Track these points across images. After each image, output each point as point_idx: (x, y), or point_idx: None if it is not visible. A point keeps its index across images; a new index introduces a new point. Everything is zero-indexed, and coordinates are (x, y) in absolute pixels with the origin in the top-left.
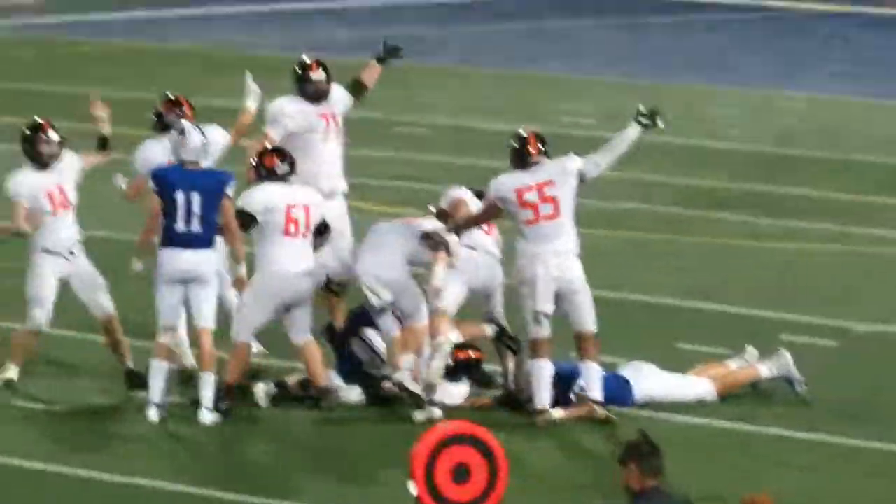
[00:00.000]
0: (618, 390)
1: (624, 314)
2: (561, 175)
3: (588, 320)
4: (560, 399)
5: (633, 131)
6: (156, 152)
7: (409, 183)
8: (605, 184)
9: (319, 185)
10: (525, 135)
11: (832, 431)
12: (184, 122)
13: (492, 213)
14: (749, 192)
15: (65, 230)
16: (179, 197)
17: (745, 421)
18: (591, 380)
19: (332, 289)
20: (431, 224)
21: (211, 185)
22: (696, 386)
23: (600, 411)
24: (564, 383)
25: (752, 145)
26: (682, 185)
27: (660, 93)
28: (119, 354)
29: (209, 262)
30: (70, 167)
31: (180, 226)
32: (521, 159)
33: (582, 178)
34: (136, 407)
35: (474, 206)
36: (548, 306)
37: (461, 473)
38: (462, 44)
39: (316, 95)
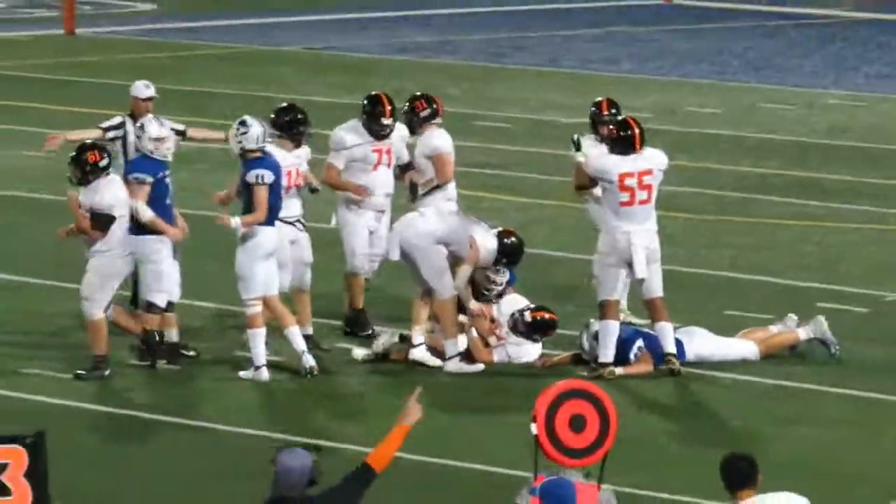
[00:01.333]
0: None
1: (679, 285)
2: (658, 168)
3: (660, 286)
4: (620, 358)
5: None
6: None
7: (486, 169)
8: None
9: (376, 202)
10: (635, 130)
11: (862, 388)
12: (246, 116)
13: (589, 183)
14: (797, 178)
15: None
16: (281, 180)
17: (784, 378)
18: (666, 337)
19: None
20: (482, 229)
21: (279, 168)
22: (741, 347)
23: (676, 364)
24: (625, 346)
25: (801, 138)
26: (737, 172)
27: (717, 91)
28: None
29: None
30: None
31: (279, 205)
32: (626, 147)
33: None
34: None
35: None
36: (646, 273)
37: (578, 423)
38: (540, 47)
39: (380, 135)
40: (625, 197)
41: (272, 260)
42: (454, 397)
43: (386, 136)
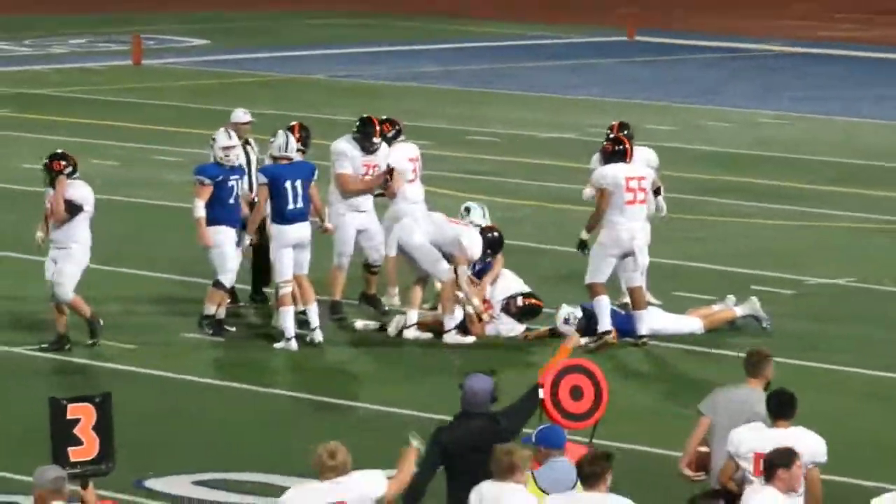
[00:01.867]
0: (630, 325)
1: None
2: (649, 173)
3: (640, 278)
4: (589, 331)
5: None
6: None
7: (477, 175)
8: None
9: (359, 203)
10: (626, 145)
11: (789, 356)
12: (280, 131)
13: (608, 199)
14: (734, 182)
15: None
16: (289, 185)
17: (722, 348)
18: (641, 321)
19: (370, 270)
20: (468, 230)
21: (285, 174)
22: (689, 322)
23: (645, 343)
24: (594, 320)
25: (738, 150)
26: (685, 178)
27: (670, 112)
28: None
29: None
30: None
31: (283, 204)
32: (621, 158)
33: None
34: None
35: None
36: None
37: (577, 393)
38: (522, 75)
39: (370, 151)
40: (629, 196)
41: (298, 250)
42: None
43: (374, 152)
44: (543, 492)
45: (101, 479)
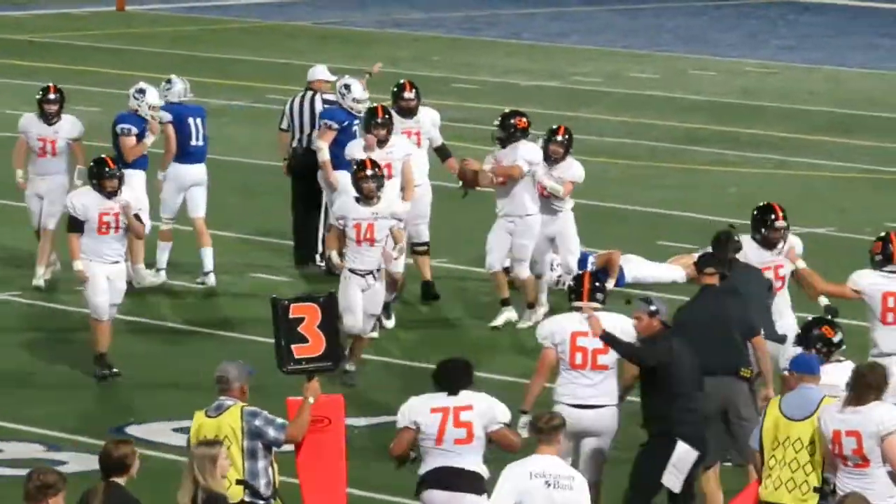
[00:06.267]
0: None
1: (620, 220)
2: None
3: None
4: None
5: None
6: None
7: (461, 123)
8: (605, 125)
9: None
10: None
11: None
12: (172, 76)
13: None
14: (718, 131)
15: None
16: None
17: None
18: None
19: (414, 250)
20: None
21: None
22: (671, 271)
23: None
24: (581, 264)
25: (722, 98)
26: (668, 126)
27: (652, 60)
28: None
29: None
30: None
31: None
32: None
33: None
34: None
35: None
36: None
37: None
38: (506, 23)
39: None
40: None
41: None
42: None
43: (411, 114)
44: (783, 415)
45: (85, 424)
